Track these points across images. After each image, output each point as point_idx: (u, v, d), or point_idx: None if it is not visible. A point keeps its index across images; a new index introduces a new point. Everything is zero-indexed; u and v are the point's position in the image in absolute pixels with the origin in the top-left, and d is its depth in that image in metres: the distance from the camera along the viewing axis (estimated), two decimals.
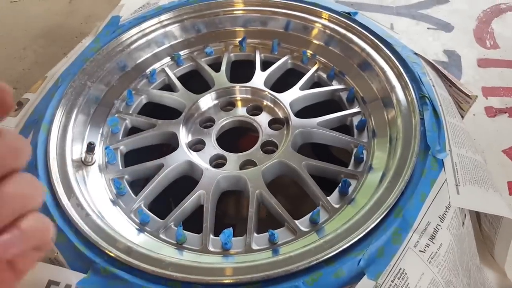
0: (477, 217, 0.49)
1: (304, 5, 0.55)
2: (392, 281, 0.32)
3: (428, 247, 0.34)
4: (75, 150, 0.44)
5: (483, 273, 0.46)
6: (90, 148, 0.44)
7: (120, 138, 0.48)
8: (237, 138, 0.54)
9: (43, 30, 1.01)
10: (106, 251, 0.34)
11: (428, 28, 0.83)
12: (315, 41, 0.55)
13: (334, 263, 0.33)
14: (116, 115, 0.50)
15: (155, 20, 0.56)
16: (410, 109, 0.43)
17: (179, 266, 0.33)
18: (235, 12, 0.57)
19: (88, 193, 0.41)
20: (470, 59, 0.77)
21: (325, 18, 0.54)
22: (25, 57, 0.96)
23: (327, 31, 0.54)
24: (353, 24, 0.52)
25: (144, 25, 0.55)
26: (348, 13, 0.54)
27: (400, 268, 0.33)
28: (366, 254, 0.33)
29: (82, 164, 0.44)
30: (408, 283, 0.32)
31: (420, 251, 0.34)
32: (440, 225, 0.36)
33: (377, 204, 0.36)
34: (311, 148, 0.59)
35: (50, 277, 0.32)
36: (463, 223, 0.39)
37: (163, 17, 0.56)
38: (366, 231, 0.34)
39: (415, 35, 0.81)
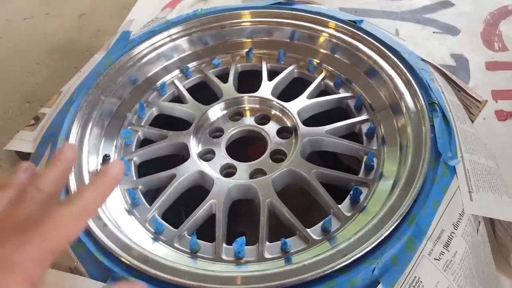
0: (492, 224, 0.48)
1: (310, 15, 0.56)
2: None
3: (443, 255, 0.34)
4: (91, 162, 0.45)
5: (499, 281, 0.45)
6: (106, 160, 0.45)
7: (133, 150, 0.49)
8: (246, 147, 0.55)
9: (55, 45, 1.04)
10: (124, 260, 0.34)
11: (433, 32, 0.83)
12: (321, 50, 0.56)
13: (348, 272, 0.33)
14: (129, 127, 0.51)
15: (164, 34, 0.57)
16: (420, 116, 0.43)
17: (195, 275, 0.34)
18: (242, 24, 0.58)
19: (105, 203, 0.41)
20: (478, 63, 0.76)
21: (330, 27, 0.55)
22: (38, 71, 0.98)
23: (333, 39, 0.54)
24: (359, 32, 0.53)
25: (154, 39, 0.56)
26: (354, 22, 0.54)
27: (415, 277, 0.32)
28: (380, 263, 0.33)
29: None
30: None
31: (434, 259, 0.34)
32: (454, 233, 0.36)
33: (390, 212, 0.36)
34: (318, 156, 0.59)
35: (71, 286, 0.33)
36: (477, 230, 0.39)
37: (172, 31, 0.57)
38: (380, 239, 0.34)
39: (421, 40, 0.81)
